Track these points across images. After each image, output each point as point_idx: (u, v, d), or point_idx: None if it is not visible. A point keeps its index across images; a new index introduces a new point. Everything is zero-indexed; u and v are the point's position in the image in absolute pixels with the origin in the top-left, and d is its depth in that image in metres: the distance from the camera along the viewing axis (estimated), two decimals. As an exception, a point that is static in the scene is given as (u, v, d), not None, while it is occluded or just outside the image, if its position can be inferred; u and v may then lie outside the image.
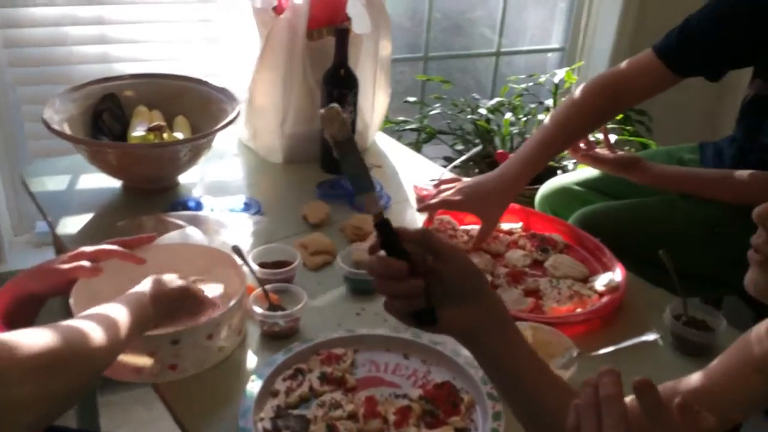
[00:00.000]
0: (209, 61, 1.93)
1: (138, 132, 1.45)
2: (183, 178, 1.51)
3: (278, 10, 1.59)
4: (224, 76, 1.68)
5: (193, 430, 0.91)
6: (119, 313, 0.84)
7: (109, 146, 1.40)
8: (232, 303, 0.99)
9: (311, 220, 1.39)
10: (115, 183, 1.47)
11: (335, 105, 0.71)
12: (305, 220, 1.40)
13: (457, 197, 1.27)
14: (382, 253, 0.69)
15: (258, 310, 1.05)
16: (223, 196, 1.46)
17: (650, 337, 0.97)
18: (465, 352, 1.00)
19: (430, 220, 1.33)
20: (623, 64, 1.40)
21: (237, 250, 1.12)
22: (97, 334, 0.77)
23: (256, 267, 1.14)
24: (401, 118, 2.13)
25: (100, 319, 0.80)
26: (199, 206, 1.41)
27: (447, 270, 0.65)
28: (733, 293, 1.44)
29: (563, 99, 2.14)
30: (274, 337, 1.06)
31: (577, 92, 1.39)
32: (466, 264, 0.67)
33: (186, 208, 1.40)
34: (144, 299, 0.89)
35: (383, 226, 0.66)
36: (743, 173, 1.30)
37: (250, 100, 1.61)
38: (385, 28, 1.61)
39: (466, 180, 1.33)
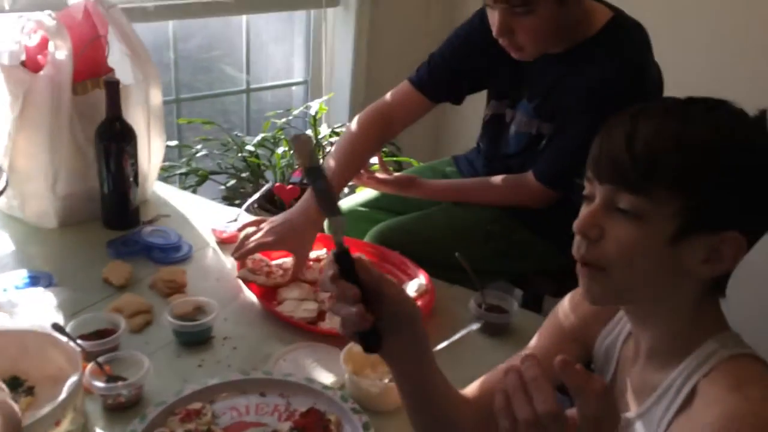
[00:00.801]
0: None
1: None
2: (-57, 263, 1.33)
3: (30, 65, 1.48)
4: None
5: None
6: None
7: None
8: (71, 381, 0.92)
9: (115, 282, 1.32)
10: None
11: (304, 134, 0.74)
12: (108, 282, 1.33)
13: (270, 238, 1.32)
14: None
15: (99, 384, 0.99)
16: (-1, 274, 1.32)
17: (475, 326, 1.14)
18: (319, 379, 1.07)
19: (243, 264, 1.36)
20: (388, 95, 1.58)
21: (58, 327, 1.04)
22: None
23: (80, 341, 1.06)
24: (168, 163, 2.09)
25: None
26: (-26, 290, 1.26)
27: (387, 308, 0.74)
28: (504, 279, 1.70)
29: (322, 128, 2.30)
30: (118, 410, 1.01)
31: (353, 125, 1.53)
32: (404, 303, 0.77)
33: (-41, 294, 1.24)
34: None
35: (343, 256, 0.71)
36: (497, 178, 1.55)
37: (11, 165, 1.46)
38: (154, 77, 1.58)
39: (273, 219, 1.38)
